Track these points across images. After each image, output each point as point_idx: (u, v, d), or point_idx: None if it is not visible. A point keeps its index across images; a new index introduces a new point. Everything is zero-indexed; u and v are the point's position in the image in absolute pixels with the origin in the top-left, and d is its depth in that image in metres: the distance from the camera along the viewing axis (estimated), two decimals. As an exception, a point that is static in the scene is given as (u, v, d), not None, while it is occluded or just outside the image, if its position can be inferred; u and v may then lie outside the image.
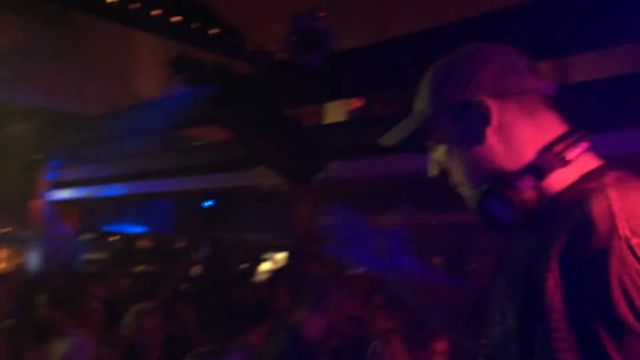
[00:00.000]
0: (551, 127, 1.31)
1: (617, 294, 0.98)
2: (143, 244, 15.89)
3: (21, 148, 6.33)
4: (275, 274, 12.27)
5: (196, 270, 14.66)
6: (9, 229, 12.98)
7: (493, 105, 1.25)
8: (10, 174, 7.17)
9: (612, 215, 1.07)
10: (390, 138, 1.40)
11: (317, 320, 3.69)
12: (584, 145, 1.31)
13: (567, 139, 1.29)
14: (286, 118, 3.72)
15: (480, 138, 1.27)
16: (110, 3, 4.24)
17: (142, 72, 5.16)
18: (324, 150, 3.61)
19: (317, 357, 3.57)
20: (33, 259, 8.02)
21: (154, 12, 4.04)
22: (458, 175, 1.33)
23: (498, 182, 1.25)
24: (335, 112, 4.67)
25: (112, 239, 14.58)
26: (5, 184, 8.69)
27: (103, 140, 6.04)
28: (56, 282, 5.07)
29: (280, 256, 18.29)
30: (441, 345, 4.21)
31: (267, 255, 17.84)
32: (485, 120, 1.25)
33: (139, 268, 15.49)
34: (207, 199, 10.99)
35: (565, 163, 1.27)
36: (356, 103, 4.84)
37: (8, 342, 3.57)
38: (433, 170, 1.39)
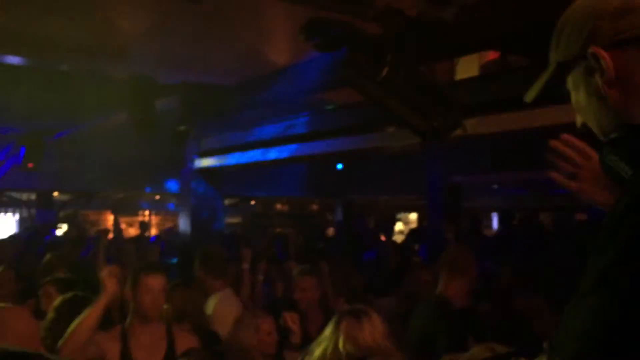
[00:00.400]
0: None
1: None
2: (279, 207, 16.61)
3: (169, 120, 6.79)
4: (410, 235, 12.34)
5: (331, 231, 15.09)
6: (158, 196, 14.12)
7: (609, 56, 1.19)
8: (160, 145, 7.76)
9: None
10: (528, 92, 1.37)
11: (460, 286, 3.68)
12: None
13: None
14: (418, 76, 3.67)
15: (600, 91, 1.21)
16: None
17: (275, 41, 5.32)
18: (458, 107, 3.54)
19: (466, 323, 3.58)
20: (183, 224, 8.68)
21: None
22: (593, 127, 1.29)
23: (624, 134, 1.19)
24: (469, 66, 4.54)
25: (251, 203, 15.34)
26: (156, 154, 9.45)
27: (242, 109, 6.33)
28: (205, 245, 5.37)
29: (413, 216, 18.34)
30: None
31: (400, 216, 17.96)
32: (601, 73, 1.20)
33: (277, 230, 16.27)
34: (339, 162, 11.18)
35: None
36: (490, 56, 4.67)
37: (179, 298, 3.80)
38: (578, 121, 1.36)
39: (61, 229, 12.57)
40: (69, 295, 3.72)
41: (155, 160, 9.73)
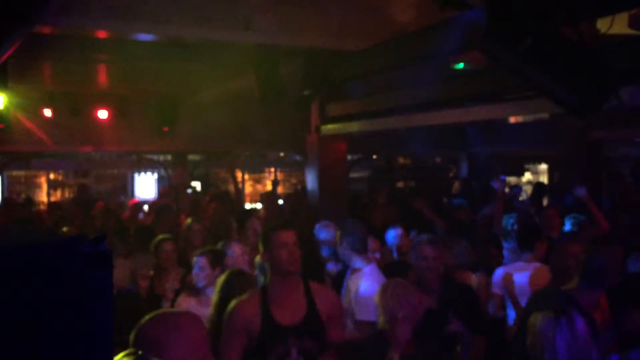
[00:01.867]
0: None
1: None
2: (402, 161, 16.43)
3: (293, 86, 6.83)
4: (537, 186, 11.73)
5: (456, 186, 14.74)
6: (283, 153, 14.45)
7: None
8: (286, 110, 7.85)
9: None
10: None
11: (594, 296, 3.41)
12: None
13: None
14: (562, 40, 3.35)
15: None
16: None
17: (400, 3, 5.11)
18: (612, 74, 3.19)
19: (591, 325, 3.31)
20: (309, 181, 8.85)
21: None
22: None
23: None
24: (616, 27, 4.07)
25: (373, 157, 15.28)
26: (282, 119, 9.63)
27: (368, 75, 6.18)
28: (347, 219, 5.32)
29: (543, 167, 17.44)
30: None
31: (528, 167, 17.14)
32: None
33: (399, 184, 16.16)
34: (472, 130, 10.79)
35: None
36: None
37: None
38: None
39: (195, 187, 13.28)
40: (233, 270, 3.95)
41: (281, 123, 9.90)
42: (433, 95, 5.33)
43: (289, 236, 3.26)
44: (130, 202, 9.75)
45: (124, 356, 1.72)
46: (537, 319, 2.79)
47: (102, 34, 6.10)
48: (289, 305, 3.25)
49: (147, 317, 2.18)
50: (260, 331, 3.16)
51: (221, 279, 3.87)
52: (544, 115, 4.43)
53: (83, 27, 5.67)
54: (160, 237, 5.41)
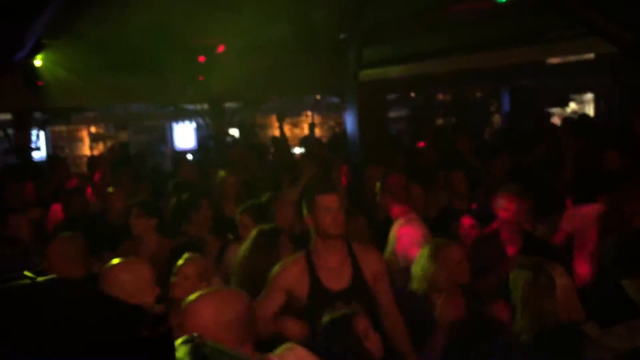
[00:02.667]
0: None
1: None
2: (442, 97, 16.07)
3: (328, 30, 6.67)
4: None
5: (497, 120, 14.42)
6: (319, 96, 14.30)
7: None
8: (322, 53, 7.69)
9: None
10: None
11: None
12: None
13: None
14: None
15: None
16: None
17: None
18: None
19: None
20: (349, 126, 8.76)
21: None
22: None
23: None
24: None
25: (412, 95, 14.99)
26: (319, 62, 9.44)
27: (405, 16, 5.94)
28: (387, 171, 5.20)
29: (589, 96, 16.85)
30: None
31: (573, 97, 16.57)
32: None
33: (439, 121, 15.87)
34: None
35: None
36: None
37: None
38: None
39: (234, 135, 13.32)
40: (264, 227, 3.88)
41: (317, 68, 9.72)
42: (475, 37, 5.09)
43: (332, 200, 3.22)
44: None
45: (182, 343, 1.73)
46: (518, 277, 2.87)
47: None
48: (334, 269, 3.25)
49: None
50: (309, 296, 3.18)
51: (253, 233, 3.81)
52: (589, 57, 4.20)
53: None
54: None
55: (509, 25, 4.75)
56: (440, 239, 3.71)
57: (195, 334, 1.84)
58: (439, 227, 4.64)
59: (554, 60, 9.76)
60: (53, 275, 1.24)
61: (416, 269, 3.52)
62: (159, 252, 4.38)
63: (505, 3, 5.44)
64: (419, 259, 3.56)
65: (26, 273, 1.22)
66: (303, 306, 3.17)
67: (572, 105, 16.60)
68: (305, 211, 3.31)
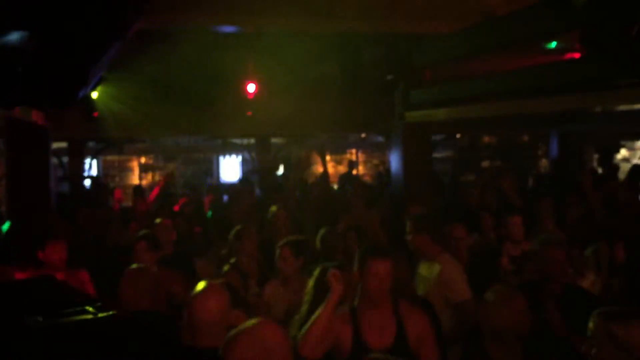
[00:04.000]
0: None
1: None
2: (488, 139, 15.95)
3: (376, 71, 6.76)
4: (634, 169, 11.02)
5: (544, 165, 14.17)
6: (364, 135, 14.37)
7: None
8: (369, 92, 7.77)
9: None
10: None
11: None
12: None
13: None
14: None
15: None
16: None
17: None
18: None
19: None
20: (394, 167, 8.77)
21: None
22: None
23: None
24: None
25: (457, 136, 14.93)
26: (365, 101, 9.54)
27: (449, 60, 5.98)
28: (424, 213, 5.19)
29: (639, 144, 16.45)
30: None
31: (624, 143, 16.20)
32: None
33: (485, 164, 15.72)
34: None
35: None
36: None
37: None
38: None
39: (279, 170, 13.46)
40: (327, 265, 3.78)
41: (363, 105, 9.82)
42: (523, 83, 5.08)
43: (383, 266, 3.22)
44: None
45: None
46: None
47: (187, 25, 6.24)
48: (378, 327, 3.25)
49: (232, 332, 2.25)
50: (351, 351, 3.17)
51: (316, 272, 3.77)
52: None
53: (171, 21, 5.84)
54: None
55: (557, 73, 4.75)
56: (505, 287, 3.57)
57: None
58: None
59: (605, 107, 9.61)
60: (114, 311, 1.27)
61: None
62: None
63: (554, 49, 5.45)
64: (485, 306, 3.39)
65: (88, 308, 1.26)
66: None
67: (623, 152, 16.24)
68: (355, 267, 3.33)
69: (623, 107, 9.55)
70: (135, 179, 15.90)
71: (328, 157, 16.02)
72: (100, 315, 1.25)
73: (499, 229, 5.61)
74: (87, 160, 12.66)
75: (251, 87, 10.67)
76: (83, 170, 12.16)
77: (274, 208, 6.28)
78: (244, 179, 11.18)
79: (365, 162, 16.84)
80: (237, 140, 13.96)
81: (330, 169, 14.92)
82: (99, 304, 1.39)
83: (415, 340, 3.26)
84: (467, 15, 5.38)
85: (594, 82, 4.10)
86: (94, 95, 10.28)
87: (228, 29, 6.28)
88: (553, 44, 6.19)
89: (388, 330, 3.25)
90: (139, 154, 15.60)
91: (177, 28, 6.37)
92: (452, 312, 4.15)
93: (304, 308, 3.65)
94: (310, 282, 3.72)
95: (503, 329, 3.11)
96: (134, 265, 3.73)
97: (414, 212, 5.31)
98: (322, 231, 5.20)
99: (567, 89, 4.54)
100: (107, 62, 3.44)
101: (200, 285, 2.77)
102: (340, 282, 3.17)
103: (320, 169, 12.53)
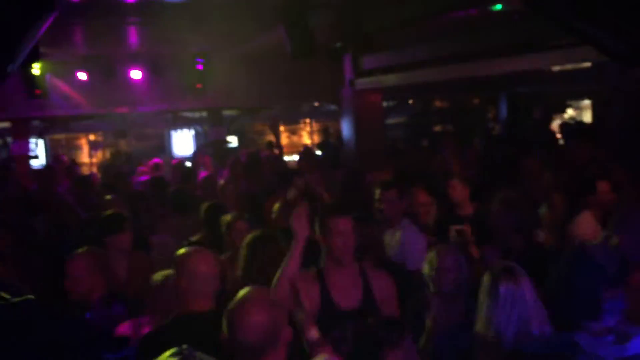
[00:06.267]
0: None
1: None
2: (439, 104, 16.11)
3: (325, 38, 6.68)
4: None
5: (496, 129, 14.41)
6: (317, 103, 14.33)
7: None
8: (316, 62, 7.69)
9: None
10: None
11: None
12: None
13: None
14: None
15: None
16: None
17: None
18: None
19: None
20: (346, 133, 8.78)
21: None
22: None
23: None
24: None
25: (409, 102, 15.03)
26: (316, 70, 9.49)
27: (401, 24, 5.95)
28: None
29: (586, 103, 16.88)
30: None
31: (570, 103, 16.61)
32: None
33: (437, 128, 15.90)
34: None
35: None
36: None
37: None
38: None
39: (232, 142, 13.33)
40: (258, 232, 3.86)
41: (314, 75, 9.75)
42: (471, 46, 5.10)
43: (345, 223, 3.19)
44: (173, 162, 9.80)
45: (170, 356, 1.74)
46: (485, 278, 2.82)
47: (131, -1, 6.05)
48: (345, 289, 3.23)
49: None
50: (320, 311, 3.15)
51: (247, 240, 3.78)
52: (587, 64, 4.23)
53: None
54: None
55: (504, 34, 4.79)
56: (440, 246, 3.69)
57: (184, 346, 1.85)
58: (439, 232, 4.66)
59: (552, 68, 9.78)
60: (28, 296, 1.25)
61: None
62: None
63: (500, 11, 5.50)
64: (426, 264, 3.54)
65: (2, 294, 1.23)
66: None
67: (570, 112, 16.64)
68: (317, 229, 3.29)
69: (567, 68, 9.74)
70: (85, 157, 15.50)
71: (282, 128, 15.96)
72: (13, 300, 1.22)
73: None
74: (33, 140, 12.24)
75: (137, 75, 10.50)
76: (28, 151, 11.78)
77: (221, 182, 6.18)
78: (196, 153, 11.03)
79: (320, 131, 16.79)
80: (189, 114, 13.72)
81: (285, 139, 14.87)
82: (16, 289, 1.36)
83: (380, 301, 3.28)
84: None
85: (537, 43, 4.16)
86: (36, 72, 9.95)
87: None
88: (499, 6, 6.26)
89: (355, 290, 3.25)
90: (87, 131, 15.19)
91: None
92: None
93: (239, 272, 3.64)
94: (243, 251, 3.70)
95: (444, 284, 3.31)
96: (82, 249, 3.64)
97: (380, 179, 5.31)
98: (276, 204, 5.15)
99: (512, 51, 4.59)
100: (38, 36, 3.29)
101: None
102: (305, 225, 3.11)
103: (272, 139, 12.51)
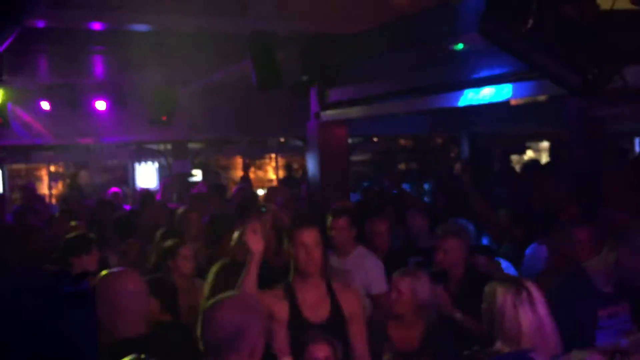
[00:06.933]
0: None
1: None
2: (403, 142, 16.37)
3: (291, 72, 6.76)
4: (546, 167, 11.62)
5: (458, 168, 14.66)
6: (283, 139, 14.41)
7: None
8: (285, 95, 7.78)
9: None
10: None
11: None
12: None
13: None
14: (563, 20, 3.30)
15: None
16: None
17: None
18: (615, 53, 3.14)
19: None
20: (310, 166, 8.82)
21: None
22: None
23: None
24: (619, 3, 3.99)
25: (374, 140, 15.23)
26: (279, 105, 9.58)
27: (365, 58, 6.09)
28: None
29: (545, 145, 17.38)
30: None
31: (529, 144, 17.08)
32: None
33: (401, 166, 16.12)
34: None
35: None
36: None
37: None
38: None
39: (196, 176, 13.25)
40: (225, 261, 3.82)
41: (280, 109, 9.85)
42: (432, 79, 5.26)
43: (309, 235, 3.22)
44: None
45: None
46: (497, 290, 2.79)
47: (97, 26, 6.04)
48: (313, 302, 3.25)
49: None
50: (289, 323, 3.16)
51: (214, 268, 3.75)
52: (543, 98, 4.39)
53: (78, 19, 5.63)
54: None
55: (467, 67, 4.96)
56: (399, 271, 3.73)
57: (142, 355, 1.82)
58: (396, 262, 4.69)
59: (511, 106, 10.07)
60: None
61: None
62: None
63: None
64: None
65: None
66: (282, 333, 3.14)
67: (530, 153, 17.09)
68: (286, 244, 3.31)
69: (526, 108, 10.05)
70: (44, 188, 15.18)
71: (247, 162, 15.95)
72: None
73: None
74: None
75: (101, 105, 10.46)
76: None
77: (180, 210, 6.09)
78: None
79: (285, 167, 16.85)
80: (153, 146, 13.62)
81: (250, 174, 14.84)
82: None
83: (348, 317, 3.29)
84: (380, 15, 5.49)
85: (497, 76, 4.31)
86: (-4, 100, 9.78)
87: (138, 27, 6.12)
88: (460, 46, 6.45)
89: (323, 305, 3.26)
90: (47, 161, 14.91)
91: (86, 27, 6.13)
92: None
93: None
94: (210, 276, 3.66)
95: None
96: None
97: (335, 207, 5.35)
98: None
99: (473, 84, 4.74)
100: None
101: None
102: (259, 241, 3.08)
103: (240, 174, 12.48)
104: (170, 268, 4.27)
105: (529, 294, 2.73)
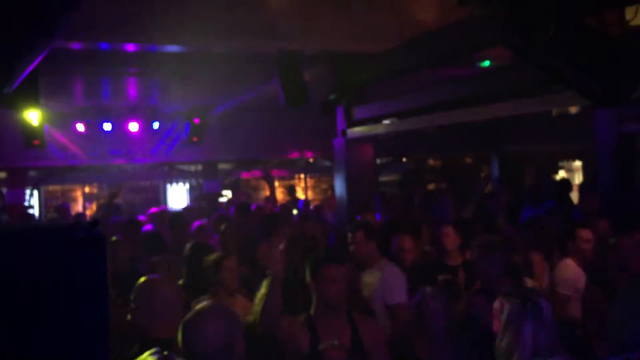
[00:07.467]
0: None
1: None
2: (432, 162, 16.29)
3: (318, 90, 6.85)
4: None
5: (489, 187, 14.54)
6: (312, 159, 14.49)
7: None
8: (313, 115, 7.87)
9: None
10: None
11: None
12: None
13: None
14: (586, 31, 3.30)
15: None
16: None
17: (422, 3, 5.10)
18: (638, 64, 3.14)
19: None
20: (338, 185, 8.85)
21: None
22: None
23: None
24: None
25: (403, 160, 15.20)
26: (310, 124, 9.67)
27: (392, 75, 6.15)
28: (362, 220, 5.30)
29: (578, 164, 17.09)
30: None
31: (562, 164, 16.80)
32: None
33: (430, 186, 16.01)
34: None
35: None
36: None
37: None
38: None
39: (226, 196, 13.39)
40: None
41: (308, 128, 9.95)
42: (458, 94, 5.27)
43: (339, 272, 3.24)
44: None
45: (149, 355, 1.75)
46: (504, 304, 2.75)
47: (130, 48, 6.23)
48: (334, 333, 3.23)
49: None
50: (309, 354, 3.17)
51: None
52: (572, 109, 4.37)
53: (111, 40, 5.81)
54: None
55: (493, 81, 4.96)
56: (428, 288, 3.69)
57: (165, 352, 1.86)
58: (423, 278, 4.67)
59: (542, 123, 9.99)
60: None
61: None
62: None
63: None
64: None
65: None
66: None
67: (562, 173, 16.83)
68: (308, 277, 3.33)
69: (557, 126, 9.96)
70: (79, 209, 15.52)
71: (277, 183, 16.06)
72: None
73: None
74: (27, 191, 12.29)
75: (134, 127, 10.74)
76: (23, 201, 11.81)
77: (221, 227, 6.21)
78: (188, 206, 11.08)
79: (314, 187, 16.93)
80: (184, 167, 13.84)
81: (279, 194, 14.95)
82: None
83: (369, 346, 3.29)
84: (405, 32, 5.55)
85: (525, 89, 4.31)
86: (34, 122, 10.09)
87: (170, 48, 6.28)
88: (486, 63, 6.46)
89: (344, 337, 3.25)
90: (82, 182, 15.26)
91: (119, 49, 6.33)
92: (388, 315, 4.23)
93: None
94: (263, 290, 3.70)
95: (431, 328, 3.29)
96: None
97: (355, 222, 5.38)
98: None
99: (501, 97, 4.75)
100: (34, 62, 3.37)
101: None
102: (279, 264, 3.17)
103: (267, 193, 12.57)
104: (214, 281, 4.25)
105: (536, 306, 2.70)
